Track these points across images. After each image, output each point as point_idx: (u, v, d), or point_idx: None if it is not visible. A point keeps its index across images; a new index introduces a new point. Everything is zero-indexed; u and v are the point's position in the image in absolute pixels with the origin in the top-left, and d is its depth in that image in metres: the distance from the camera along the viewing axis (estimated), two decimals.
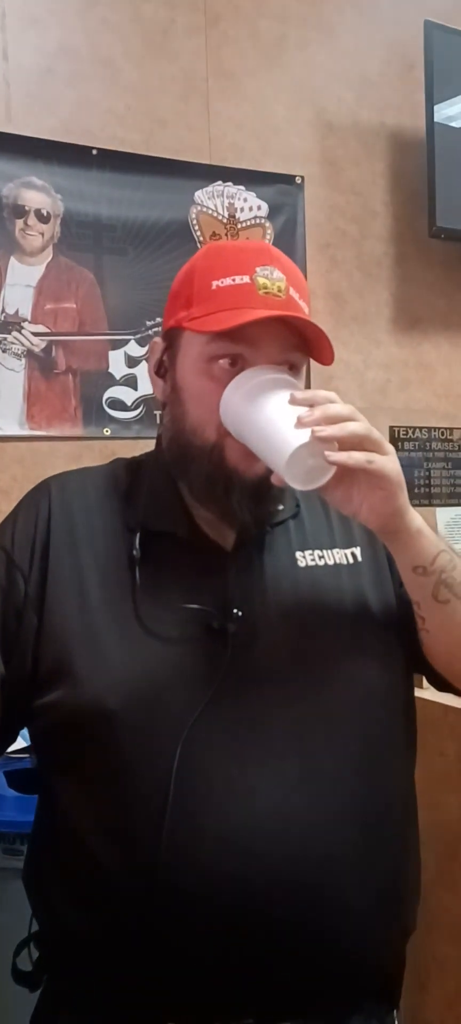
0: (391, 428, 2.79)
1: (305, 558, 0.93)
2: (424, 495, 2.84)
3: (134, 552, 0.88)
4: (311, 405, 0.81)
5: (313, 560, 0.93)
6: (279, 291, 0.86)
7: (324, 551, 0.94)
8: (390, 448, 0.83)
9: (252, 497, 0.86)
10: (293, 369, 0.89)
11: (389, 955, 0.91)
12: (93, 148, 2.30)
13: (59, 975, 0.92)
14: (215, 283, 0.88)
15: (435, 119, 2.63)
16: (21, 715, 0.91)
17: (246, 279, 0.86)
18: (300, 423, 0.79)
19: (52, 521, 0.92)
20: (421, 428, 2.84)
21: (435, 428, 2.87)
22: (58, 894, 0.88)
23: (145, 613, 0.87)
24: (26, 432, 2.26)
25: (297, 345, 0.88)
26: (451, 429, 2.89)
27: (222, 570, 0.89)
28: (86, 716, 0.85)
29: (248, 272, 0.87)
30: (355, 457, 0.79)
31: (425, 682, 1.37)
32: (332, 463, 0.79)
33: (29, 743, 1.67)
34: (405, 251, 2.78)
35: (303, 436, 0.78)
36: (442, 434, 2.88)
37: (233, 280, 0.87)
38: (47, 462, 2.24)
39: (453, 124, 2.70)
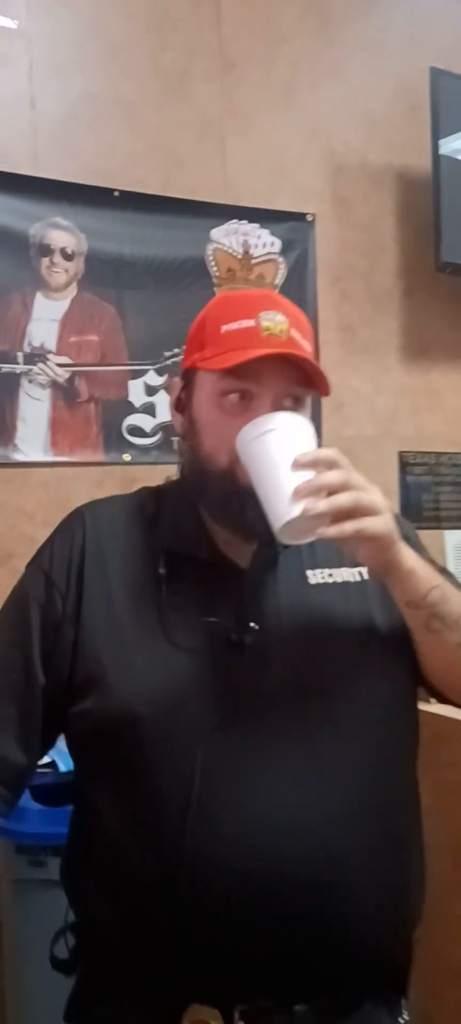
0: (400, 453, 2.87)
1: (315, 576, 1.00)
2: (433, 518, 2.91)
3: (160, 571, 0.97)
4: (314, 465, 0.86)
5: (323, 578, 1.00)
6: (281, 332, 0.95)
7: (333, 569, 1.01)
8: (382, 506, 0.88)
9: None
10: (297, 402, 0.96)
11: (396, 945, 0.97)
12: (115, 190, 2.42)
13: (93, 961, 0.99)
14: (224, 327, 0.97)
15: (441, 151, 2.73)
16: (59, 722, 0.99)
17: (251, 323, 0.95)
18: (296, 494, 0.84)
19: (86, 545, 1.01)
20: (430, 453, 2.92)
21: (443, 453, 2.94)
22: (92, 888, 0.96)
23: (170, 627, 0.95)
24: (50, 458, 2.36)
25: (299, 380, 0.96)
26: (459, 454, 2.97)
27: (239, 588, 0.96)
28: (116, 722, 0.93)
29: (253, 317, 0.95)
30: (345, 530, 0.85)
31: None
32: (322, 537, 0.86)
33: (51, 759, 1.74)
34: (413, 284, 2.87)
35: (295, 510, 0.84)
36: (450, 459, 2.96)
37: (240, 324, 0.96)
38: (70, 487, 2.34)
39: (458, 157, 2.80)
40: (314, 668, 0.94)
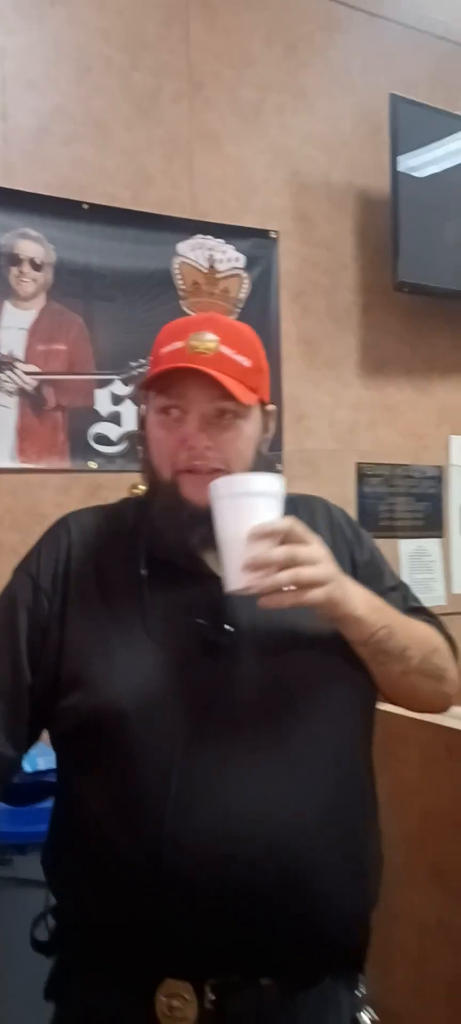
0: (358, 464, 2.98)
1: None
2: (388, 528, 3.02)
3: (142, 572, 1.04)
4: (269, 536, 0.93)
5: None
6: (207, 350, 1.01)
7: None
8: (327, 578, 0.95)
9: (202, 521, 0.99)
10: (223, 415, 1.03)
11: (354, 925, 1.05)
12: (84, 203, 2.47)
13: (73, 941, 1.06)
14: (162, 350, 1.05)
15: (399, 168, 2.84)
16: (44, 718, 1.06)
17: (181, 344, 1.03)
18: (244, 568, 0.92)
19: (71, 551, 1.08)
20: (386, 465, 3.03)
21: (399, 465, 3.06)
22: (74, 872, 1.03)
23: (151, 628, 1.01)
24: (17, 465, 2.40)
25: (226, 395, 1.01)
26: (413, 466, 3.08)
27: (215, 592, 1.00)
28: (101, 716, 0.99)
29: (184, 338, 1.03)
30: (284, 601, 0.93)
31: None
32: (263, 605, 0.94)
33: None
34: (372, 301, 2.98)
35: (242, 582, 0.93)
36: (405, 471, 3.07)
37: (172, 346, 1.04)
38: (37, 493, 2.39)
39: (415, 174, 2.92)
40: (284, 669, 1.01)
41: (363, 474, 2.99)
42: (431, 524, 3.10)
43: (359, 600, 1.02)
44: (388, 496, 3.03)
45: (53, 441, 2.46)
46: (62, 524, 1.12)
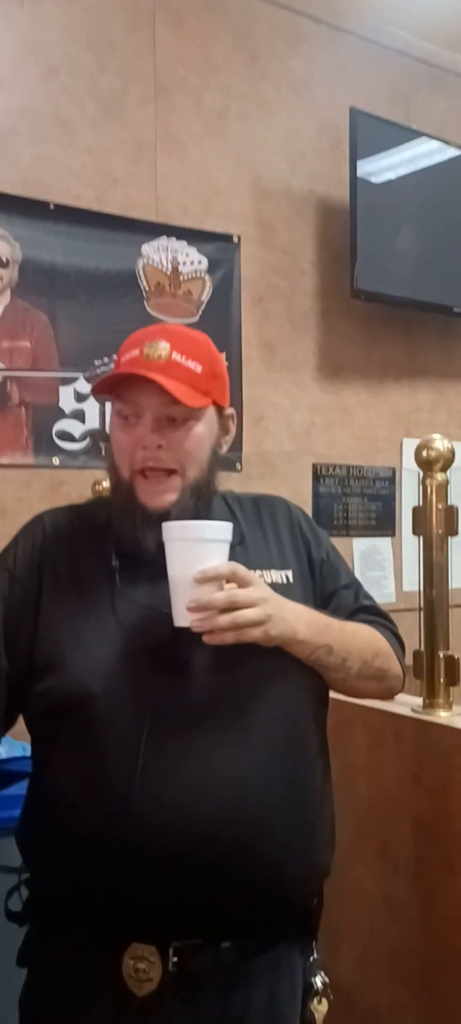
0: (314, 465, 3.07)
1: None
2: (342, 527, 3.12)
3: (113, 563, 1.11)
4: (213, 580, 1.02)
5: (260, 576, 1.13)
6: (159, 357, 1.09)
7: (263, 571, 1.15)
8: (263, 618, 1.04)
9: (154, 525, 1.08)
10: (173, 422, 1.10)
11: (306, 892, 1.14)
12: (51, 203, 2.50)
13: (44, 909, 1.12)
14: (122, 358, 1.13)
15: (358, 174, 2.93)
16: (20, 702, 1.12)
17: (137, 352, 1.11)
18: (188, 608, 1.02)
19: (45, 544, 1.15)
20: (341, 466, 3.13)
21: (353, 466, 3.16)
22: (47, 845, 1.09)
23: (120, 616, 1.09)
24: None
25: (175, 399, 1.08)
26: (367, 468, 3.19)
27: None
28: (72, 698, 1.06)
29: (140, 347, 1.11)
30: (225, 639, 1.02)
31: None
32: (207, 642, 1.03)
33: None
34: (329, 307, 3.07)
35: (185, 621, 1.03)
36: (359, 472, 3.18)
37: (129, 354, 1.12)
38: None
39: (372, 179, 3.01)
40: (244, 655, 1.06)
41: (319, 475, 3.08)
42: (383, 524, 3.21)
43: (301, 624, 1.11)
44: (343, 496, 3.13)
45: (16, 436, 2.49)
46: (37, 520, 1.19)
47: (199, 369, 1.12)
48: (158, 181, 2.70)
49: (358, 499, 3.17)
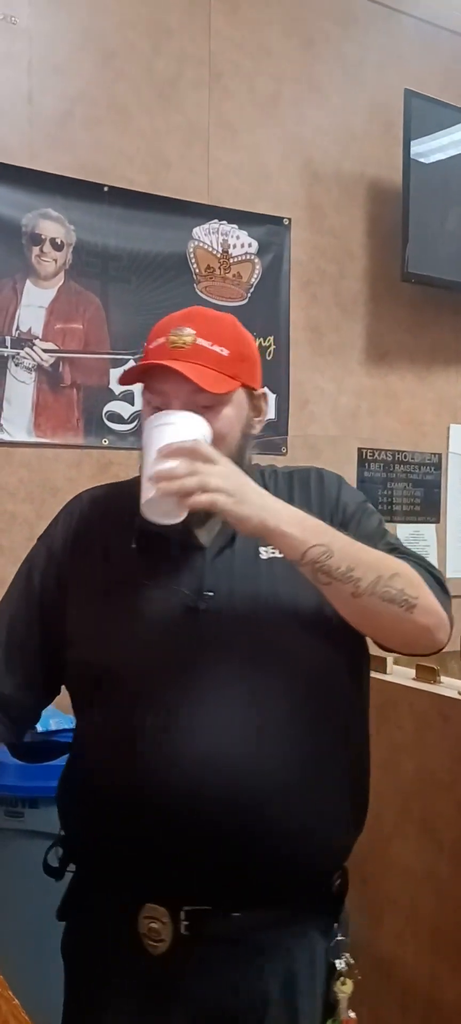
0: (359, 450, 3.08)
1: (266, 552, 1.13)
2: (386, 511, 3.12)
3: (132, 546, 1.13)
4: (175, 455, 0.99)
5: (272, 553, 1.12)
6: (184, 344, 1.09)
7: None
8: (232, 490, 1.00)
9: None
10: (206, 409, 1.08)
11: (322, 869, 1.14)
12: (105, 186, 2.54)
13: (78, 867, 1.20)
14: (150, 346, 1.14)
15: (412, 156, 2.91)
16: (59, 671, 1.20)
17: (162, 340, 1.11)
18: (152, 479, 0.99)
19: (81, 520, 1.21)
20: (386, 451, 3.13)
21: (398, 451, 3.16)
22: (76, 803, 1.17)
23: (143, 592, 1.13)
24: (33, 439, 2.49)
25: (197, 388, 1.07)
26: (412, 453, 3.19)
27: (200, 561, 1.13)
28: (95, 667, 1.13)
29: (166, 334, 1.11)
30: (201, 500, 0.99)
31: (389, 666, 1.63)
32: (179, 514, 1.01)
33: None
34: (378, 291, 3.07)
35: (151, 491, 1.00)
36: (404, 457, 3.18)
37: (157, 341, 1.12)
38: (51, 467, 2.48)
39: (423, 160, 2.98)
40: (260, 630, 1.09)
41: (364, 459, 3.09)
42: (428, 510, 3.21)
43: (288, 518, 1.05)
44: (387, 481, 3.14)
45: (68, 417, 2.55)
46: (77, 498, 1.26)
47: (226, 352, 1.12)
48: (210, 165, 2.72)
49: (403, 484, 3.17)
